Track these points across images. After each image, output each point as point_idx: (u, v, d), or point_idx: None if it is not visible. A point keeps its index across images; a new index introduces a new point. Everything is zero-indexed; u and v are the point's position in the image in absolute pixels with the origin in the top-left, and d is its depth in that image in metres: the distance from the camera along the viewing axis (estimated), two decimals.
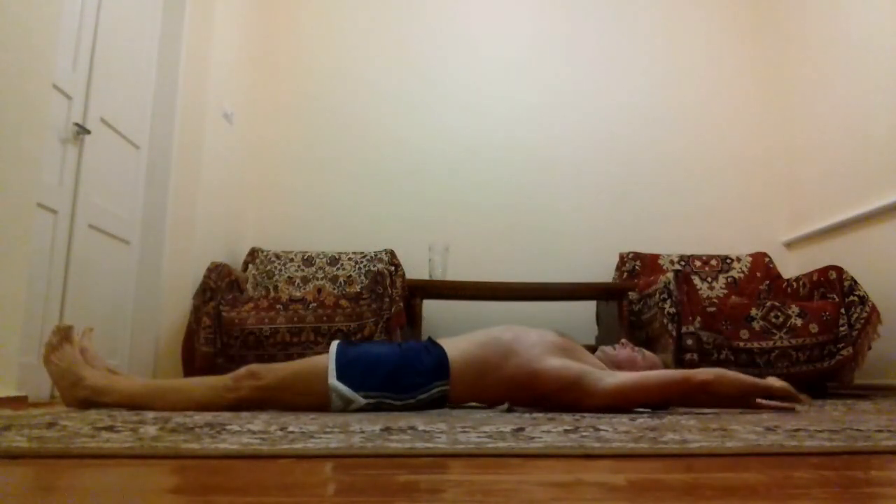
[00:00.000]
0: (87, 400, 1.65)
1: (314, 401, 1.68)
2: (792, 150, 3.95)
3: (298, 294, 3.17)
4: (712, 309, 2.84)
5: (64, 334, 1.72)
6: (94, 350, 1.80)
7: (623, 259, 3.66)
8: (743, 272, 3.58)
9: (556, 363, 1.69)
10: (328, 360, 1.71)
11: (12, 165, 1.89)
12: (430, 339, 1.86)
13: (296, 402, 1.69)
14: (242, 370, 1.69)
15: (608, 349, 1.92)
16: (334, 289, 3.40)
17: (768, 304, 2.86)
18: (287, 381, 1.68)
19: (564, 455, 0.95)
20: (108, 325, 2.72)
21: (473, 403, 1.91)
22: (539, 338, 1.78)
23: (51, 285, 2.31)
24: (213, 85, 3.31)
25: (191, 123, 3.16)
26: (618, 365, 1.85)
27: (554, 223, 3.95)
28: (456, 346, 1.78)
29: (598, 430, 1.21)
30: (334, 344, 1.76)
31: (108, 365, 1.80)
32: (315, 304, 2.84)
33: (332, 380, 1.66)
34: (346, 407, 1.66)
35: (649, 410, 1.73)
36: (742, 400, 1.74)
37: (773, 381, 1.78)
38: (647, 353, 1.92)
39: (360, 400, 1.66)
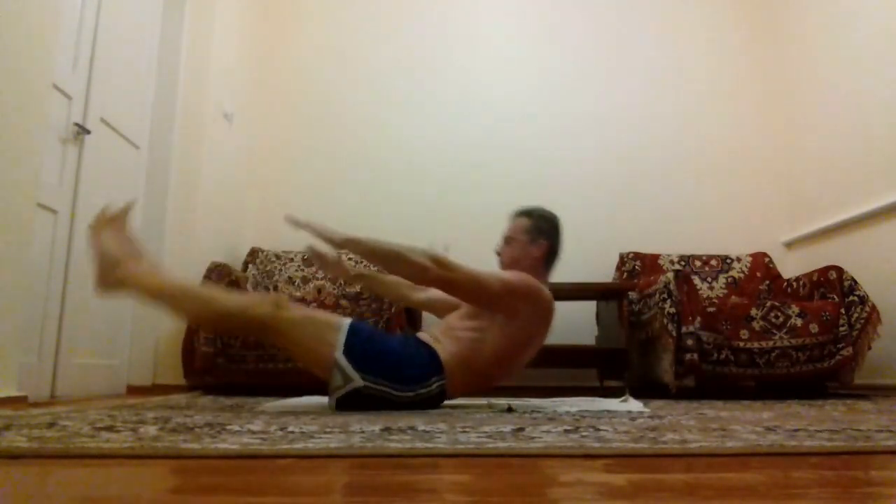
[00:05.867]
0: (120, 283, 1.66)
1: (319, 360, 1.67)
2: (792, 150, 3.95)
3: (298, 294, 3.17)
4: (712, 309, 2.84)
5: (116, 218, 1.72)
6: (137, 238, 1.79)
7: (623, 259, 3.66)
8: (743, 272, 3.58)
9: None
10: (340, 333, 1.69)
11: (12, 165, 1.89)
12: (416, 337, 1.90)
13: (302, 350, 1.69)
14: (273, 295, 1.70)
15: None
16: (334, 289, 3.40)
17: (768, 304, 2.86)
18: (304, 324, 1.68)
19: (564, 455, 0.95)
20: (108, 325, 2.72)
21: (471, 401, 1.95)
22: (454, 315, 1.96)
23: (51, 285, 2.31)
24: (213, 85, 3.31)
25: (191, 123, 3.16)
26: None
27: None
28: (440, 347, 1.83)
29: (598, 430, 1.21)
30: (346, 321, 1.74)
31: (150, 257, 1.80)
32: (315, 304, 2.84)
33: (339, 353, 1.65)
34: (344, 385, 1.65)
35: (647, 411, 1.73)
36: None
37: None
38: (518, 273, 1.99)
39: (358, 380, 1.65)
